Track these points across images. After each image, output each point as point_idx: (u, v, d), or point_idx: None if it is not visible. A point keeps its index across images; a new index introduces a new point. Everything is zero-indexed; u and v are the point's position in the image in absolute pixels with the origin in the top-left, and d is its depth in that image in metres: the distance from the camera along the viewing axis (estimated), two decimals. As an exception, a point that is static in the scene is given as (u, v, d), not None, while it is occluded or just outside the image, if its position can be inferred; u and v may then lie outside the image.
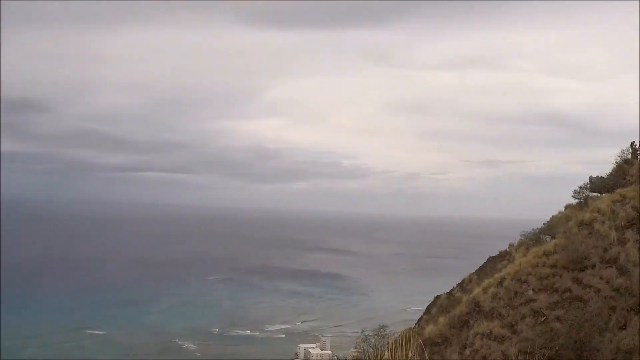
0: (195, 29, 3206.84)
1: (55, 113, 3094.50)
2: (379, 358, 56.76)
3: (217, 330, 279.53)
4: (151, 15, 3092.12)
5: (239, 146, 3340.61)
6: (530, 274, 47.94)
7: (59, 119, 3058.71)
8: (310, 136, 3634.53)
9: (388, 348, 61.87)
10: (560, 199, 68.44)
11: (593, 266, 46.13)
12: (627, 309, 41.74)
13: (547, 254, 49.40)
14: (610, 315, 41.69)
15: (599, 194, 60.09)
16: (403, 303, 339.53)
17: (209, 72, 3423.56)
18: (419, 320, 68.17)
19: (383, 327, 75.65)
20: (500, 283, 49.18)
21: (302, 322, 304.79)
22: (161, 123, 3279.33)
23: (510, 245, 62.85)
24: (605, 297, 43.31)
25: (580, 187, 62.25)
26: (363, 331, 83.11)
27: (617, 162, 61.83)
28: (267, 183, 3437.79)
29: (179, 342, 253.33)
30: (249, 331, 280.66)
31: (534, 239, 57.85)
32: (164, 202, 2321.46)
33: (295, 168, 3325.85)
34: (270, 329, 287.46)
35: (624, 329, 39.87)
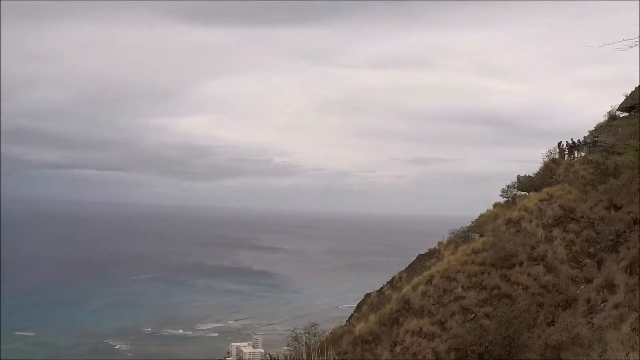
0: (128, 26, 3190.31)
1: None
2: (310, 356, 56.82)
3: (149, 329, 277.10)
4: (83, 12, 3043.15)
5: (171, 143, 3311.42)
6: (459, 271, 48.45)
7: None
8: (242, 133, 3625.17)
9: (319, 346, 62.03)
10: (489, 197, 69.15)
11: (521, 264, 46.82)
12: (555, 306, 42.43)
13: (475, 252, 49.99)
14: (538, 311, 42.35)
15: (526, 193, 61.00)
16: (334, 300, 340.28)
17: (142, 69, 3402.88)
18: (350, 317, 68.49)
19: (314, 325, 75.97)
20: (429, 281, 49.61)
21: (235, 320, 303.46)
22: (94, 120, 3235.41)
23: (440, 243, 63.34)
24: (533, 294, 43.98)
25: (508, 186, 63.08)
26: (294, 330, 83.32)
27: (544, 162, 62.83)
28: (199, 181, 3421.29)
29: (111, 343, 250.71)
30: (181, 330, 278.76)
31: (462, 237, 58.38)
32: (96, 200, 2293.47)
33: (227, 165, 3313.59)
34: (202, 327, 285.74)
35: (552, 325, 40.52)
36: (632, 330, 15.43)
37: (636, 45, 28.42)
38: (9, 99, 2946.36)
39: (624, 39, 28.65)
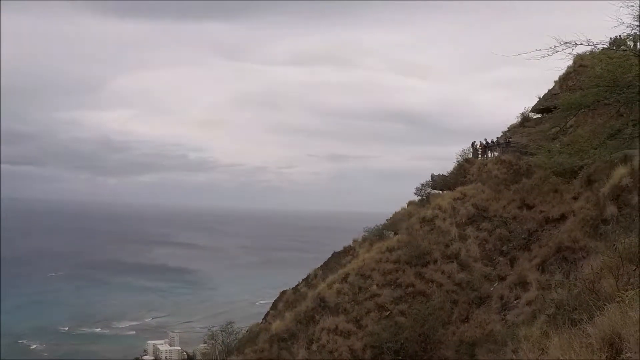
0: (40, 15, 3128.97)
1: None
2: (228, 355, 56.61)
3: (65, 328, 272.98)
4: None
5: (85, 137, 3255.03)
6: (374, 269, 48.90)
7: None
8: (157, 128, 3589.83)
9: (237, 344, 61.83)
10: (404, 195, 69.81)
11: (435, 262, 47.49)
12: (469, 303, 43.18)
13: (390, 250, 50.51)
14: (452, 308, 43.05)
15: (440, 192, 61.79)
16: (251, 297, 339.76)
17: (56, 60, 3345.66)
18: (266, 315, 68.52)
19: (230, 323, 75.80)
20: (344, 279, 49.94)
21: (152, 318, 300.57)
22: (6, 112, 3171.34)
23: (355, 241, 63.73)
24: (447, 292, 44.68)
25: (422, 185, 63.78)
26: (211, 328, 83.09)
27: (458, 161, 63.73)
28: (113, 176, 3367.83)
29: (26, 343, 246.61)
30: (97, 329, 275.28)
31: (377, 234, 58.85)
32: (6, 195, 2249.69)
33: (142, 161, 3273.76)
34: (119, 325, 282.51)
35: (467, 321, 41.24)
36: (543, 333, 15.81)
37: (549, 55, 29.30)
38: None
39: (536, 49, 29.57)
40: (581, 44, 29.70)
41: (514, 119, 67.91)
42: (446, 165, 65.37)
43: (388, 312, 44.78)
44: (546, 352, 12.78)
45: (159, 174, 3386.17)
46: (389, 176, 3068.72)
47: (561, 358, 11.36)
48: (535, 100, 66.11)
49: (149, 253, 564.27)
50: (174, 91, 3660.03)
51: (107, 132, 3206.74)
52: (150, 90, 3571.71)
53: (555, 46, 29.41)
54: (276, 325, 52.00)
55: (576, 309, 16.15)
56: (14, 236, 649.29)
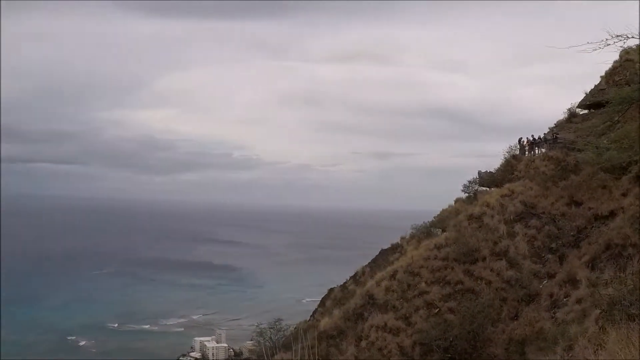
0: (84, 16, 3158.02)
1: None
2: (275, 351, 57.00)
3: (114, 325, 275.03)
4: (38, 3, 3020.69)
5: (129, 136, 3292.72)
6: (422, 266, 48.89)
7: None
8: (201, 127, 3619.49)
9: (284, 341, 62.19)
10: (450, 192, 69.76)
11: (484, 259, 47.35)
12: (518, 300, 43.04)
13: (438, 247, 50.46)
14: (501, 306, 42.91)
15: (487, 189, 61.49)
16: (297, 294, 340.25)
17: (99, 60, 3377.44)
18: (314, 312, 68.69)
19: (278, 320, 76.09)
20: (393, 276, 49.98)
21: (199, 315, 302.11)
22: (50, 112, 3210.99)
23: (402, 238, 63.64)
24: (496, 289, 44.54)
25: (469, 182, 63.54)
26: (259, 325, 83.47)
27: (505, 158, 63.36)
28: (158, 174, 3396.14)
29: (75, 339, 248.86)
30: (145, 325, 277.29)
31: (425, 232, 58.77)
32: (53, 194, 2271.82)
33: (186, 159, 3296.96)
34: (166, 322, 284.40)
35: (516, 319, 41.10)
36: (600, 328, 15.79)
37: (600, 48, 29.16)
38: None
39: (588, 42, 29.42)
40: (632, 37, 29.59)
41: (560, 114, 67.40)
42: (491, 162, 65.27)
43: (437, 310, 44.78)
44: (604, 348, 12.81)
45: (203, 172, 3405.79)
46: (434, 173, 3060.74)
47: (620, 353, 11.41)
48: (581, 96, 65.50)
49: (194, 250, 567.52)
50: (216, 90, 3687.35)
51: (151, 131, 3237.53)
52: (192, 89, 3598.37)
53: (606, 39, 29.30)
54: (324, 323, 52.17)
55: (632, 304, 16.15)
56: (60, 234, 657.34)
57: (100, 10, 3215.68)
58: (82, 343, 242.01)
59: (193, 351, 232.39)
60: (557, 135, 60.92)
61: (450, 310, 43.79)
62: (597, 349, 13.86)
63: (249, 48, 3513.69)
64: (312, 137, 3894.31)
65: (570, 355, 21.34)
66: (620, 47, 30.23)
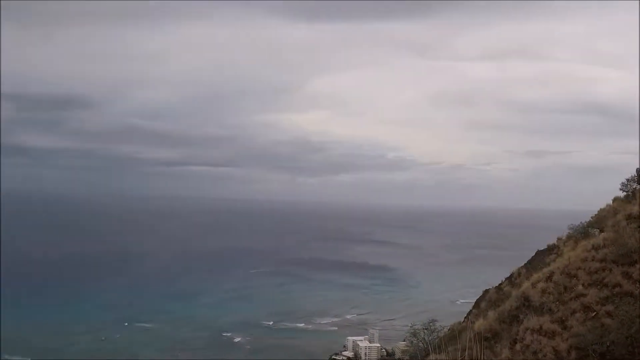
0: (234, 24, 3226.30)
1: (98, 109, 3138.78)
2: (429, 352, 56.81)
3: (269, 323, 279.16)
4: (190, 11, 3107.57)
5: (283, 139, 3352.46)
6: (579, 268, 47.73)
7: (101, 115, 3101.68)
8: (354, 129, 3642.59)
9: (438, 342, 62.03)
10: (607, 191, 67.87)
11: (643, 261, 45.79)
12: (679, 304, 41.43)
13: (596, 248, 49.13)
14: (661, 310, 41.41)
15: (647, 187, 59.45)
16: (452, 295, 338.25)
17: (251, 66, 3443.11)
18: (469, 314, 68.18)
19: (432, 321, 75.85)
20: (549, 277, 49.00)
21: (353, 314, 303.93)
22: (204, 117, 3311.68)
23: (559, 239, 62.32)
24: (656, 292, 43.01)
25: (627, 180, 61.59)
26: (412, 325, 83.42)
27: (665, 155, 61.08)
28: (312, 176, 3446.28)
29: (230, 336, 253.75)
30: (300, 324, 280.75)
31: (582, 232, 57.32)
32: (209, 196, 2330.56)
33: (340, 161, 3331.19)
34: (321, 321, 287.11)
35: (677, 324, 39.59)
36: None
37: None
38: (120, 99, 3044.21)
39: None
40: None
41: None
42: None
43: (594, 313, 43.59)
44: None
45: (358, 174, 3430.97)
46: (590, 172, 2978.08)
47: None
48: None
49: (350, 251, 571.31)
50: (367, 91, 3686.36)
51: (305, 133, 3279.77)
52: (344, 91, 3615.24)
53: None
54: (479, 324, 51.65)
55: None
56: (218, 234, 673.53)
57: (250, 16, 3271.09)
58: (236, 340, 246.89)
59: (346, 350, 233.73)
60: None
61: (608, 314, 42.56)
62: None
63: (399, 49, 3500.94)
64: (464, 136, 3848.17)
65: None
66: None
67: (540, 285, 49.14)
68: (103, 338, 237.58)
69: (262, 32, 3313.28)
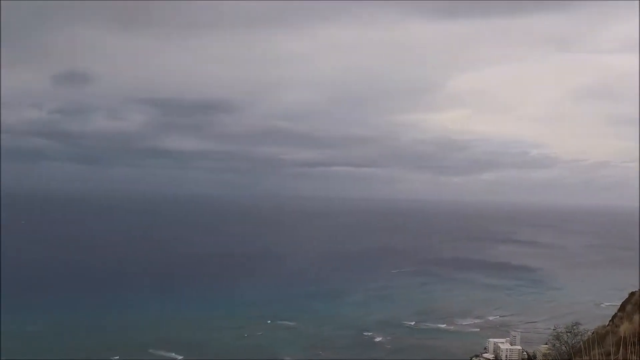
0: (373, 25, 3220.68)
1: (241, 112, 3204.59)
2: (571, 356, 54.91)
3: (410, 323, 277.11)
4: (331, 14, 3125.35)
5: (425, 138, 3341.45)
6: None
7: (244, 118, 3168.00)
8: (496, 126, 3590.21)
9: (581, 346, 60.05)
10: None
11: None
12: None
13: None
14: None
15: None
16: (596, 297, 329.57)
17: (392, 66, 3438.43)
18: (613, 317, 65.94)
19: (576, 324, 73.81)
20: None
21: (495, 316, 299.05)
22: (346, 118, 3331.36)
23: None
24: None
25: None
26: (555, 328, 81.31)
27: None
28: (455, 175, 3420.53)
29: (371, 335, 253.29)
30: (441, 325, 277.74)
31: None
32: (352, 196, 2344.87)
33: (483, 159, 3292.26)
34: (462, 322, 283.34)
35: None
36: None
37: None
38: (263, 102, 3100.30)
39: None
40: None
41: None
42: None
43: None
44: None
45: (500, 172, 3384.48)
46: None
47: None
48: None
49: (491, 250, 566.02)
50: (508, 88, 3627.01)
51: (447, 132, 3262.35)
52: (485, 88, 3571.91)
53: None
54: (624, 328, 49.67)
55: None
56: (361, 234, 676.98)
57: (392, 16, 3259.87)
58: (377, 339, 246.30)
59: (486, 352, 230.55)
60: None
61: None
62: None
63: (537, 44, 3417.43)
64: (609, 132, 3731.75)
65: None
66: None
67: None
68: (246, 335, 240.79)
69: (404, 33, 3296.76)
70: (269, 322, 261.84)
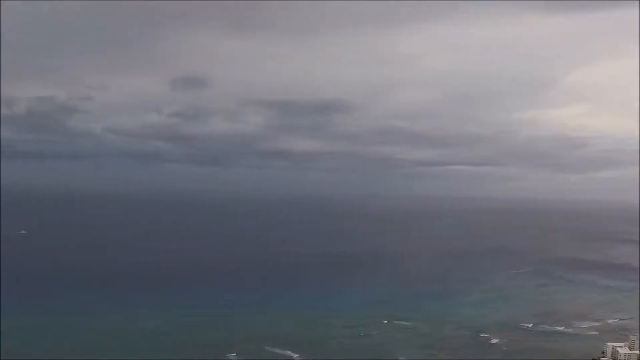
0: (486, 22, 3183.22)
1: (357, 112, 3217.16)
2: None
3: (528, 325, 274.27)
4: (442, 12, 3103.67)
5: (543, 136, 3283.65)
6: None
7: (360, 118, 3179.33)
8: (615, 122, 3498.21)
9: None
10: None
11: None
12: None
13: None
14: None
15: None
16: None
17: (506, 62, 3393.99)
18: None
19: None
20: None
21: (614, 319, 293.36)
22: (462, 117, 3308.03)
23: None
24: None
25: None
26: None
27: None
28: (573, 173, 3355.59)
29: (487, 337, 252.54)
30: (559, 327, 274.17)
31: None
32: (468, 195, 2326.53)
33: (602, 157, 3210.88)
34: (580, 325, 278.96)
35: None
36: None
37: None
38: (378, 101, 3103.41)
39: None
40: None
41: None
42: None
43: None
44: None
45: (620, 170, 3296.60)
46: None
47: None
48: None
49: (611, 251, 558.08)
50: (628, 82, 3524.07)
51: (564, 129, 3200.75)
52: (603, 83, 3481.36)
53: None
54: None
55: None
56: (477, 234, 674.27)
57: (503, 12, 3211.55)
58: (493, 341, 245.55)
59: (604, 357, 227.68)
60: None
61: None
62: None
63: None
64: None
65: None
66: None
67: None
68: (361, 334, 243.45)
69: (517, 29, 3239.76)
70: (386, 321, 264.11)
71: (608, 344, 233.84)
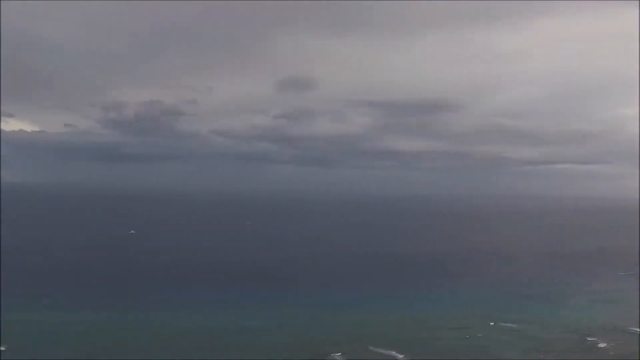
0: (583, 16, 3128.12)
1: (464, 111, 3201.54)
2: None
3: (635, 329, 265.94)
4: (547, 8, 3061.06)
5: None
6: None
7: (466, 116, 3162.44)
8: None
9: None
10: None
11: None
12: None
13: None
14: None
15: None
16: None
17: (614, 58, 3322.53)
18: None
19: None
20: None
21: None
22: (569, 114, 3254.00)
23: None
24: None
25: None
26: None
27: None
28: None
29: (594, 340, 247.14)
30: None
31: None
32: (577, 195, 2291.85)
33: None
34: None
35: None
36: None
37: None
38: (484, 99, 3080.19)
39: None
40: None
41: None
42: None
43: None
44: None
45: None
46: None
47: None
48: None
49: None
50: None
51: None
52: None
53: None
54: None
55: None
56: (584, 234, 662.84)
57: (603, 7, 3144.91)
58: (601, 345, 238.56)
59: None
60: None
61: None
62: None
63: None
64: None
65: None
66: None
67: None
68: (467, 336, 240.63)
69: (626, 23, 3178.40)
70: (492, 324, 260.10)
71: None
